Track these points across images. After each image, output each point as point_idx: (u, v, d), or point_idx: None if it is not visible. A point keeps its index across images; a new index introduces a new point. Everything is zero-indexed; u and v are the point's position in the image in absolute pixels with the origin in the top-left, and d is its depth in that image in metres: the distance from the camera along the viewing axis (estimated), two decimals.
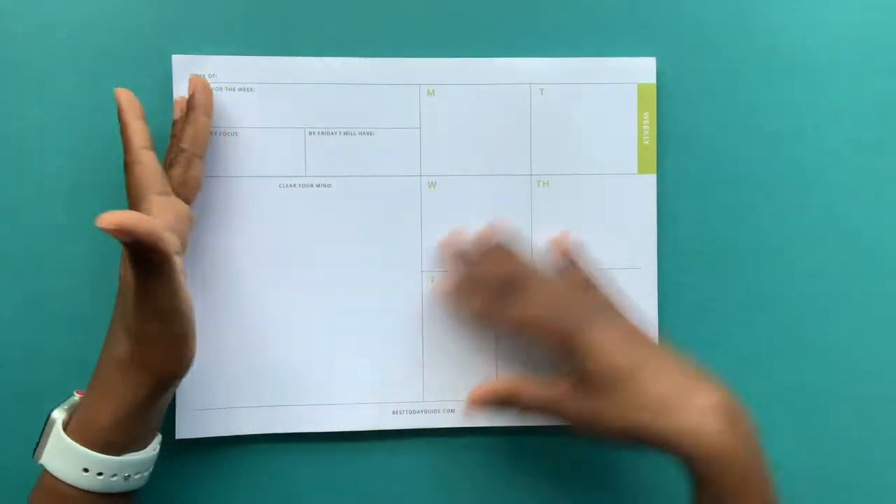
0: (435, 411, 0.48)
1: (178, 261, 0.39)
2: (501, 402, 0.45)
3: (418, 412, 0.48)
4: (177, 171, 0.44)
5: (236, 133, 0.47)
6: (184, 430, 0.46)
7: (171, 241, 0.38)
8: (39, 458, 0.40)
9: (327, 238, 0.47)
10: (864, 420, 0.50)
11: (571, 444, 0.49)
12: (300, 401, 0.47)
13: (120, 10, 0.47)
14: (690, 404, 0.40)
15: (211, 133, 0.46)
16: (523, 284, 0.45)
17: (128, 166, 0.42)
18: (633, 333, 0.44)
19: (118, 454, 0.40)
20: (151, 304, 0.38)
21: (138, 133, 0.43)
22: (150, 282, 0.38)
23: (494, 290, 0.45)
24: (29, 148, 0.46)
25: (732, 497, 0.39)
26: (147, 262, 0.37)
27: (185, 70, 0.46)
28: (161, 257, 0.37)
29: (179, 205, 0.43)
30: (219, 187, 0.47)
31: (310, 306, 0.47)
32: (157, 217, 0.41)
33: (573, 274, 0.48)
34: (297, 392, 0.47)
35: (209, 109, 0.45)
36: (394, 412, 0.48)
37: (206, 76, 0.46)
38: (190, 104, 0.45)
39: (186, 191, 0.44)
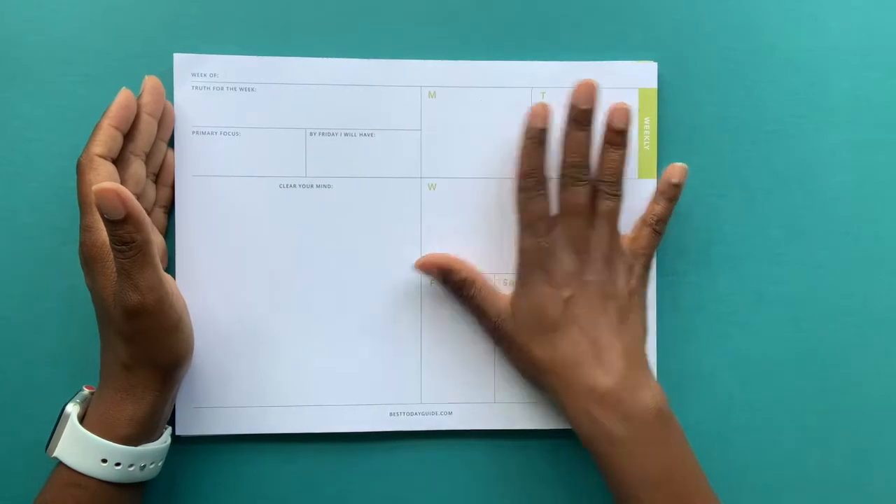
0: (433, 413, 0.48)
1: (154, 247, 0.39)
2: (444, 273, 0.47)
3: (416, 414, 0.48)
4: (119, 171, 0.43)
5: (237, 133, 0.47)
6: (182, 428, 0.47)
7: (149, 223, 0.39)
8: (53, 451, 0.41)
9: (327, 239, 0.47)
10: (865, 420, 0.50)
11: (570, 446, 0.49)
12: (298, 401, 0.47)
13: (122, 9, 0.47)
14: (580, 383, 0.44)
15: (167, 131, 0.46)
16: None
17: (81, 168, 0.42)
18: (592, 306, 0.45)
19: (135, 445, 0.41)
20: (136, 299, 0.39)
21: (101, 138, 0.42)
22: (134, 270, 0.38)
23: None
24: (29, 148, 0.47)
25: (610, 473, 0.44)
26: (129, 245, 0.38)
27: (187, 69, 0.46)
28: (144, 239, 0.38)
29: None
30: (219, 187, 0.47)
31: (309, 307, 0.47)
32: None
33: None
34: (296, 392, 0.47)
35: (153, 109, 0.44)
36: (391, 414, 0.48)
37: (208, 75, 0.46)
38: (137, 104, 0.44)
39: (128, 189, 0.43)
